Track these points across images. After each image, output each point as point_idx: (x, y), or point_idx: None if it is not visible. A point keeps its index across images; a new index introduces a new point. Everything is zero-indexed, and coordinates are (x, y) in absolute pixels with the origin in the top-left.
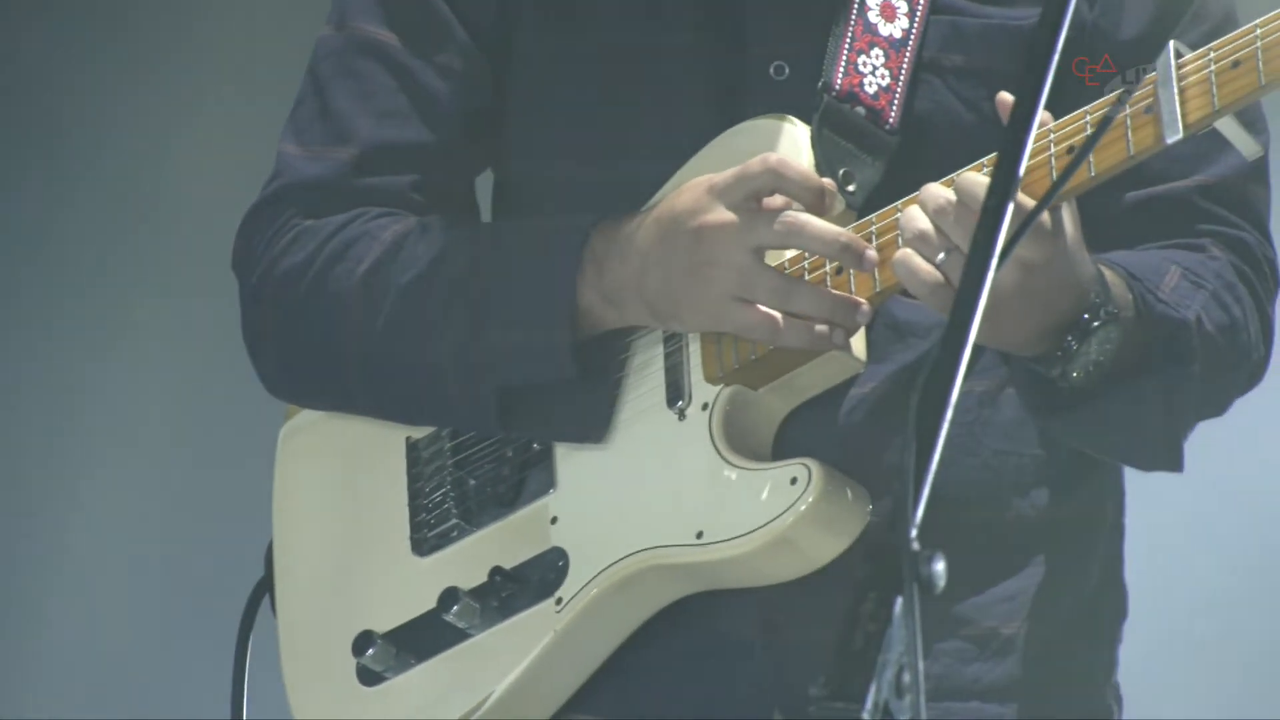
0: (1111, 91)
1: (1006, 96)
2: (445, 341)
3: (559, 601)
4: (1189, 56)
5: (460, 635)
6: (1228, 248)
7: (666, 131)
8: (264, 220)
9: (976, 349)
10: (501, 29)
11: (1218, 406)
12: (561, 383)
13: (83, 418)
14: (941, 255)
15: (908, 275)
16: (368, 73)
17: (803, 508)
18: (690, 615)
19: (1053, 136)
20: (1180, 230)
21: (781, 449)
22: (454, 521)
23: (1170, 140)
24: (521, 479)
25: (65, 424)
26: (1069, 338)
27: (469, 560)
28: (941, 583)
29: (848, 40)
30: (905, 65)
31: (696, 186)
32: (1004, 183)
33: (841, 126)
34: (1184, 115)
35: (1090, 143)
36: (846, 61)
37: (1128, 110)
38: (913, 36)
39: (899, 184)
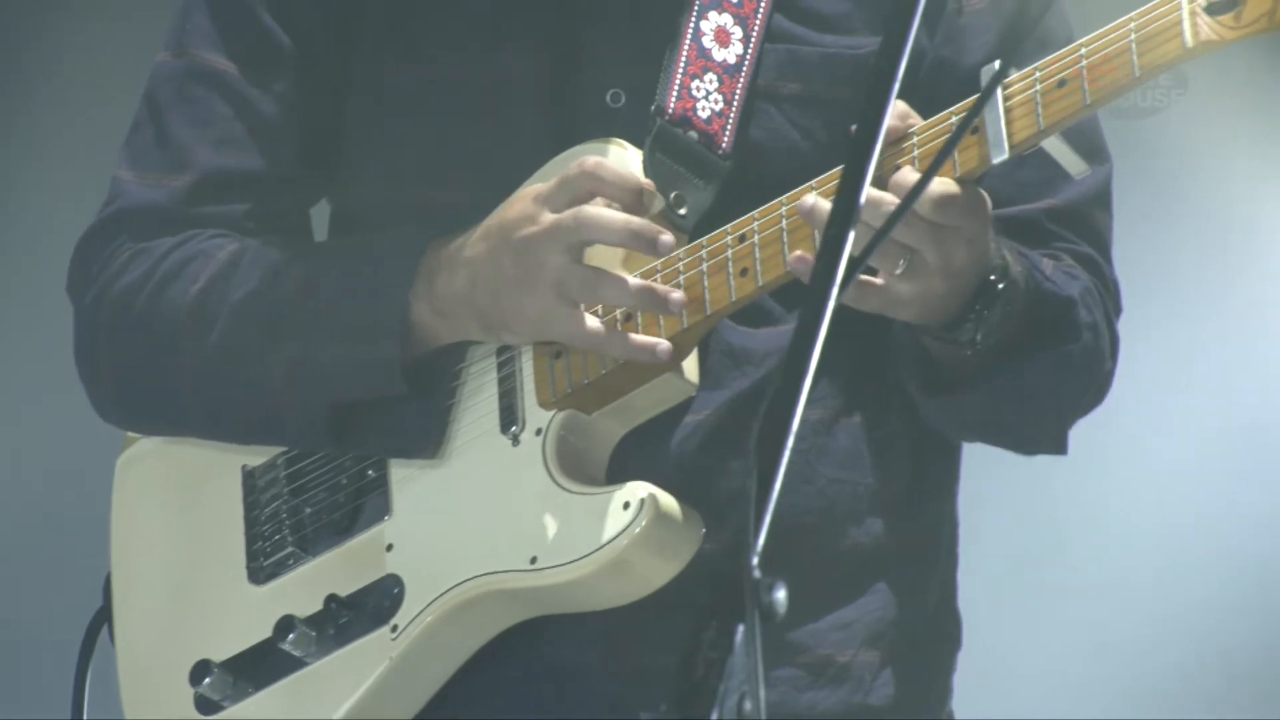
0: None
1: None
2: (277, 357)
3: (394, 628)
4: (1014, 76)
5: (297, 664)
6: (1079, 263)
7: (503, 158)
8: (99, 243)
9: (815, 376)
10: (341, 56)
11: (1074, 414)
12: (394, 399)
13: None
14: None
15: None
16: (205, 100)
17: (636, 531)
18: (529, 639)
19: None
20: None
21: (616, 474)
22: (290, 549)
23: (996, 160)
24: (357, 506)
25: None
26: (978, 303)
27: (305, 588)
28: (783, 610)
29: (681, 64)
30: (739, 91)
31: (524, 198)
32: (844, 212)
33: (674, 150)
34: (1010, 135)
35: (920, 185)
36: (680, 85)
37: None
38: (747, 62)
39: (731, 208)
